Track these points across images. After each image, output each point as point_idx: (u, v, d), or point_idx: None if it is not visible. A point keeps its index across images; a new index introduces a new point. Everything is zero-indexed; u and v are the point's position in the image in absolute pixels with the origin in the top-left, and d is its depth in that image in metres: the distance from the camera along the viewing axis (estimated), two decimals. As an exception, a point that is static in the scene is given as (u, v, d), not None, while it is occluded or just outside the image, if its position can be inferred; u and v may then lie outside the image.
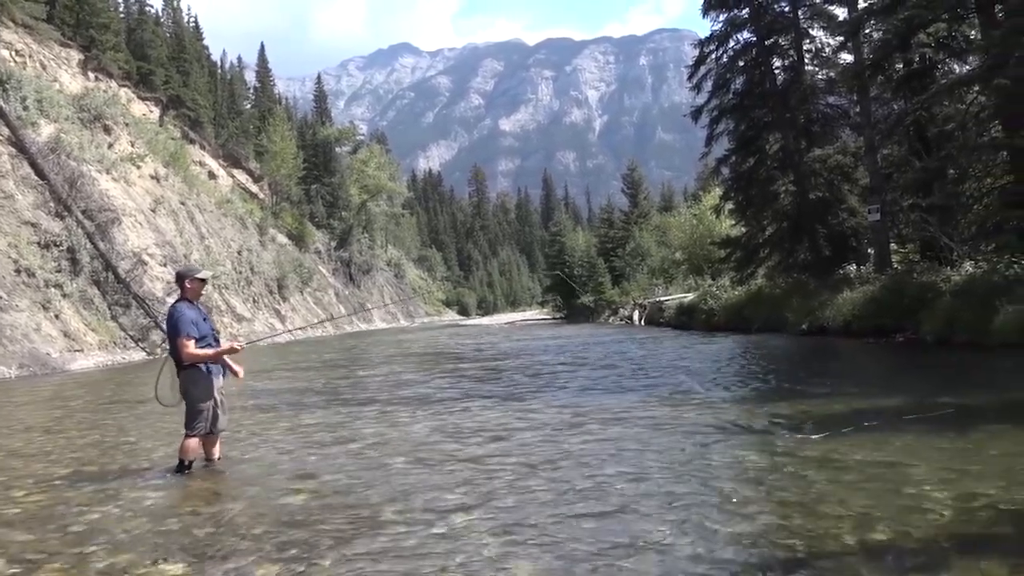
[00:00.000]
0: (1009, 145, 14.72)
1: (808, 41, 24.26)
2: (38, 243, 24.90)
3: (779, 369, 12.75)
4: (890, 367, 12.52)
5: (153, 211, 36.43)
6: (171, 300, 25.31)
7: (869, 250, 22.22)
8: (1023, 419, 6.15)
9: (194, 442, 6.12)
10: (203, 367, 6.16)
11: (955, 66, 18.83)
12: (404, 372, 15.89)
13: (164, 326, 26.64)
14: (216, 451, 6.38)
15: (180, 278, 6.43)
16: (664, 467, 5.51)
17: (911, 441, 5.83)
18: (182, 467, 6.08)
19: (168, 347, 6.33)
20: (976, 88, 15.76)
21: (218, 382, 6.30)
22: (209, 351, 6.17)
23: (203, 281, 6.42)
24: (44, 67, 38.97)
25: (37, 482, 6.20)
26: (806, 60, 24.06)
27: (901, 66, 19.11)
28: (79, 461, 7.05)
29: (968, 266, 15.40)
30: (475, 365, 16.44)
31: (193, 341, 6.06)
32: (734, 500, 4.57)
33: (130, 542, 4.40)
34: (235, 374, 6.52)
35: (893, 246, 20.84)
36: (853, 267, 21.54)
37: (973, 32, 17.27)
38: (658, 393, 9.58)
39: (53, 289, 24.09)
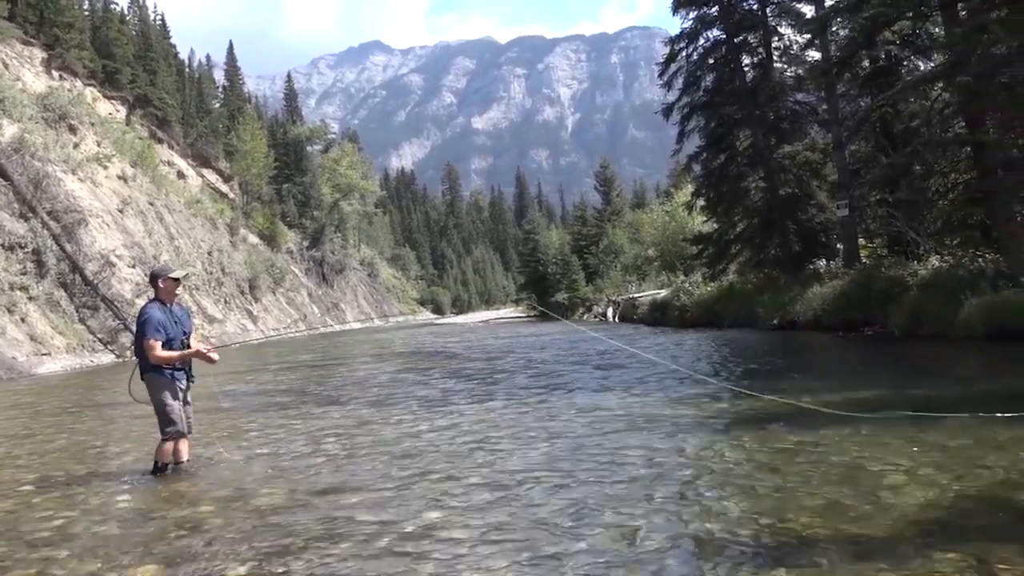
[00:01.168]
0: (972, 141, 15.01)
1: (776, 39, 24.57)
2: (2, 245, 24.39)
3: (752, 364, 12.87)
4: (859, 360, 12.71)
5: (121, 212, 35.88)
6: (140, 302, 24.76)
7: (838, 245, 22.53)
8: (986, 411, 6.26)
9: (170, 446, 6.06)
10: (165, 372, 6.04)
11: (920, 63, 19.18)
12: (392, 372, 15.74)
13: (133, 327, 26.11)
14: (184, 453, 6.22)
15: (153, 278, 6.34)
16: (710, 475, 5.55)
17: (877, 433, 5.92)
18: (156, 469, 6.04)
19: (134, 348, 6.23)
20: (940, 85, 16.05)
21: (182, 384, 6.19)
22: (174, 354, 6.05)
23: (177, 281, 6.31)
24: (6, 66, 38.21)
25: (3, 488, 6.08)
26: (775, 57, 24.34)
27: (867, 63, 19.40)
28: (46, 466, 6.94)
29: (934, 260, 15.69)
30: (470, 365, 15.97)
31: (159, 343, 5.95)
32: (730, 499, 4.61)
33: (99, 547, 4.33)
34: (209, 360, 6.34)
35: (861, 241, 21.16)
36: (823, 262, 21.83)
37: (937, 29, 17.59)
38: (675, 392, 9.60)
39: (18, 292, 23.63)
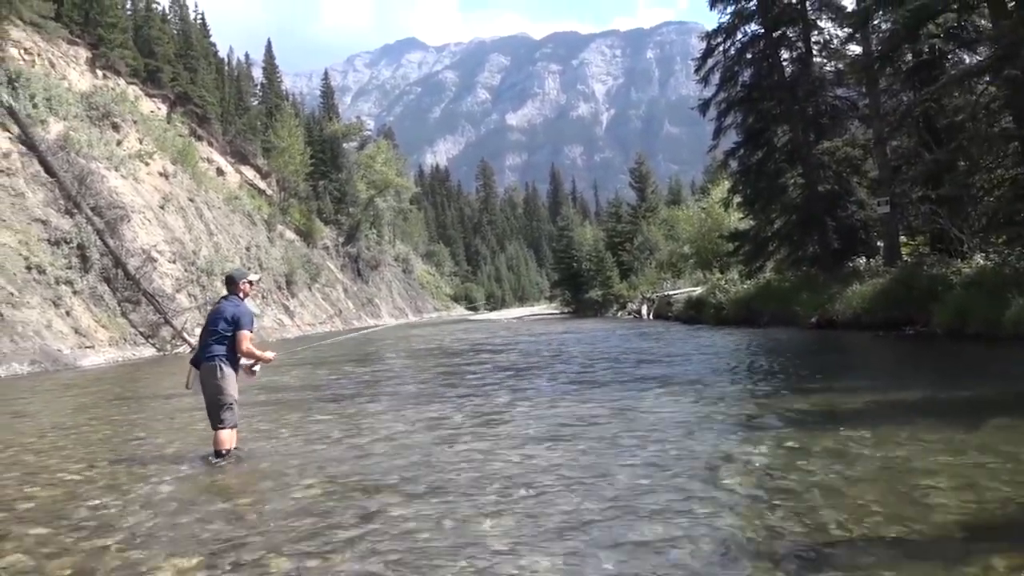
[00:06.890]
0: (1020, 136, 14.62)
1: (816, 32, 24.12)
2: (48, 240, 25.02)
3: (792, 363, 12.70)
4: (901, 360, 12.47)
5: (162, 208, 36.54)
6: (181, 297, 25.09)
7: (879, 243, 22.11)
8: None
9: (232, 434, 6.42)
10: (237, 366, 6.54)
11: (964, 56, 18.70)
12: (441, 367, 15.84)
13: (173, 320, 26.24)
14: (233, 442, 6.57)
15: (233, 281, 6.79)
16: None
17: (922, 434, 5.81)
18: (219, 456, 6.32)
19: (213, 334, 6.46)
20: (986, 79, 15.65)
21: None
22: (255, 352, 6.59)
23: (251, 283, 6.92)
24: (53, 65, 39.09)
25: (50, 477, 6.24)
26: (814, 52, 23.91)
27: (910, 57, 18.99)
28: (91, 456, 7.10)
29: (979, 258, 15.32)
30: (540, 363, 16.23)
31: (249, 337, 6.47)
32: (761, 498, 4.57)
33: (143, 537, 4.43)
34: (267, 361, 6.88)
35: (903, 238, 20.74)
36: (863, 260, 21.43)
37: (983, 22, 17.14)
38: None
39: (64, 286, 24.21)
